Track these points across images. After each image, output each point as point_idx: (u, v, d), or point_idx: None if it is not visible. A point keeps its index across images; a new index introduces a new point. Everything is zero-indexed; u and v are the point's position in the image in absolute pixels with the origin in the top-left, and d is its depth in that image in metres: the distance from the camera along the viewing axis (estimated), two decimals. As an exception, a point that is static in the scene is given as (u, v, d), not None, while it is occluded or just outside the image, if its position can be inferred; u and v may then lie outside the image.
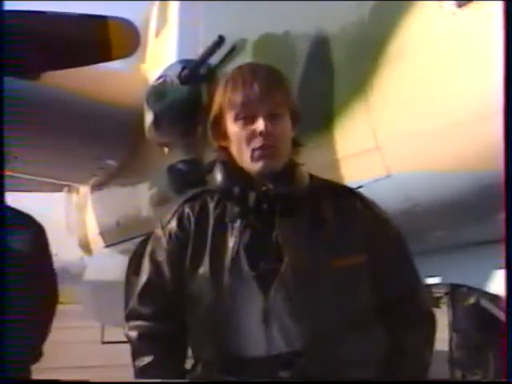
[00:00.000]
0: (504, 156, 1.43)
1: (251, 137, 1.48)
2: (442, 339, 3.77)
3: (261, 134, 1.47)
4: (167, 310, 1.57)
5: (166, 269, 1.57)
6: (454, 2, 2.20)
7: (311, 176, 1.58)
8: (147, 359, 1.54)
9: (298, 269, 1.45)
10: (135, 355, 1.58)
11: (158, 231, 1.61)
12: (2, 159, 2.20)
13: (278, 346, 1.44)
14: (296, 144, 1.58)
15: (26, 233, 2.48)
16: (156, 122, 4.31)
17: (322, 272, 1.47)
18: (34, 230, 2.54)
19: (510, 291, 1.43)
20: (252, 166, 1.50)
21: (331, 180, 1.64)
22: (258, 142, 1.48)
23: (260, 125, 1.47)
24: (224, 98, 1.52)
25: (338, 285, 1.47)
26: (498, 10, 2.06)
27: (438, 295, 3.76)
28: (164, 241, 1.58)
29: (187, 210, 1.57)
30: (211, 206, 1.55)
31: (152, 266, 1.60)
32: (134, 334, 1.58)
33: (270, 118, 1.48)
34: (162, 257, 1.58)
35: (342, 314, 1.47)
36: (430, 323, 1.59)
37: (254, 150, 1.49)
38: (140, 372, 1.56)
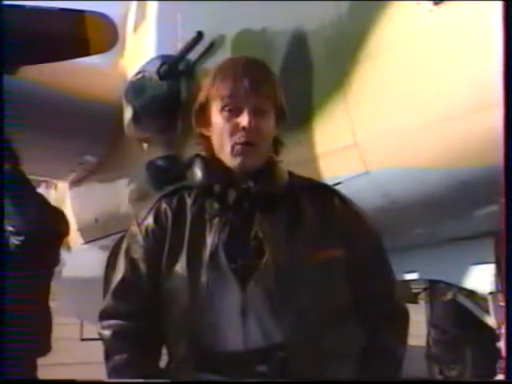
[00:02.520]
0: (504, 151, 1.43)
1: (234, 130, 1.48)
2: (422, 335, 3.80)
3: (244, 128, 1.47)
4: (142, 308, 1.55)
5: (141, 266, 1.55)
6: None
7: (290, 173, 1.58)
8: (121, 358, 1.52)
9: (279, 264, 1.45)
10: (108, 354, 1.56)
11: (134, 228, 1.59)
12: (1, 159, 2.17)
13: (256, 341, 1.44)
14: (278, 143, 1.58)
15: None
16: (135, 118, 4.28)
17: (301, 267, 1.47)
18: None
19: (509, 289, 1.43)
20: (231, 161, 1.50)
21: (310, 177, 1.65)
22: (239, 137, 1.48)
23: (244, 119, 1.47)
24: (212, 87, 1.52)
25: (317, 280, 1.48)
26: (473, 8, 2.08)
27: (416, 291, 3.79)
28: (140, 237, 1.56)
29: (164, 205, 1.55)
30: (189, 201, 1.53)
31: (127, 263, 1.57)
32: (107, 332, 1.55)
33: (255, 113, 1.48)
34: (137, 254, 1.56)
35: (320, 308, 1.47)
36: (404, 321, 1.59)
37: (234, 145, 1.48)
38: (113, 371, 1.54)
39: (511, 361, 1.48)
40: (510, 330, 1.49)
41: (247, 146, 1.48)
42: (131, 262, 1.57)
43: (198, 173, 1.53)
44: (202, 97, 1.54)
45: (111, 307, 1.58)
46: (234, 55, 2.96)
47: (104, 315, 1.59)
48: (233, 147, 1.49)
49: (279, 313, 1.45)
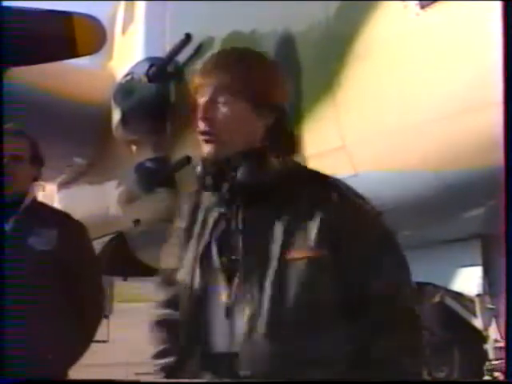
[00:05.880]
0: (504, 151, 1.42)
1: (196, 121, 1.50)
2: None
3: (200, 119, 1.49)
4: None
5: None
6: (417, 2, 2.23)
7: (293, 163, 1.53)
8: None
9: (263, 261, 1.44)
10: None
11: None
12: (1, 159, 2.17)
13: (239, 343, 1.43)
14: (273, 133, 1.50)
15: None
16: (124, 120, 4.27)
17: (287, 266, 1.44)
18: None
19: (509, 289, 1.42)
20: (203, 149, 1.52)
21: (312, 169, 1.56)
22: (199, 127, 1.50)
23: (200, 110, 1.49)
24: (193, 82, 1.56)
25: (305, 280, 1.43)
26: (460, 11, 2.10)
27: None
28: None
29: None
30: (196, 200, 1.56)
31: None
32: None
33: (212, 104, 1.48)
34: None
35: (306, 311, 1.44)
36: (410, 324, 1.44)
37: (199, 135, 1.51)
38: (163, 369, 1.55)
39: (511, 361, 1.47)
40: (510, 331, 1.48)
41: (206, 136, 1.49)
42: None
43: (197, 169, 1.54)
44: (191, 93, 1.57)
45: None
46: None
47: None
48: (199, 137, 1.51)
49: (262, 313, 1.43)
